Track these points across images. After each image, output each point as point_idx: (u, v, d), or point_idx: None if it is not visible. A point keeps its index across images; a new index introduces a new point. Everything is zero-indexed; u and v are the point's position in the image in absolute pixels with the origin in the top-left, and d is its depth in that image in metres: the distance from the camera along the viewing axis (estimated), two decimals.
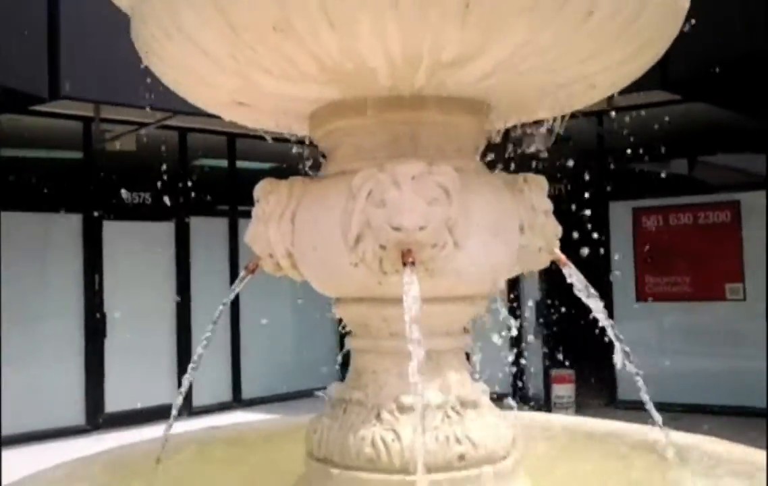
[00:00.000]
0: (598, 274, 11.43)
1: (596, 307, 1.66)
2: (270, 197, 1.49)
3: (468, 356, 1.61)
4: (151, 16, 1.30)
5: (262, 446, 1.84)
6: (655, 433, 1.75)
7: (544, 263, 1.59)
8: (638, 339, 10.02)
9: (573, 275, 1.57)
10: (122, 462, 1.75)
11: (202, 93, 1.50)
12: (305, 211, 1.45)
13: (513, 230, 1.48)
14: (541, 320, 9.60)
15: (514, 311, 10.04)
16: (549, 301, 9.11)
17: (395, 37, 1.17)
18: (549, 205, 1.56)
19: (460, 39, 1.18)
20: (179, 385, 7.22)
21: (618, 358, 1.83)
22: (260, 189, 1.53)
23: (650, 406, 1.68)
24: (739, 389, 9.15)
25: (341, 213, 1.37)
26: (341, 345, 7.50)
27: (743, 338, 9.55)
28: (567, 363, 8.54)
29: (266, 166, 10.38)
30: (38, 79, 6.64)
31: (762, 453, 1.74)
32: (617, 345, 1.79)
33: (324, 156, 1.61)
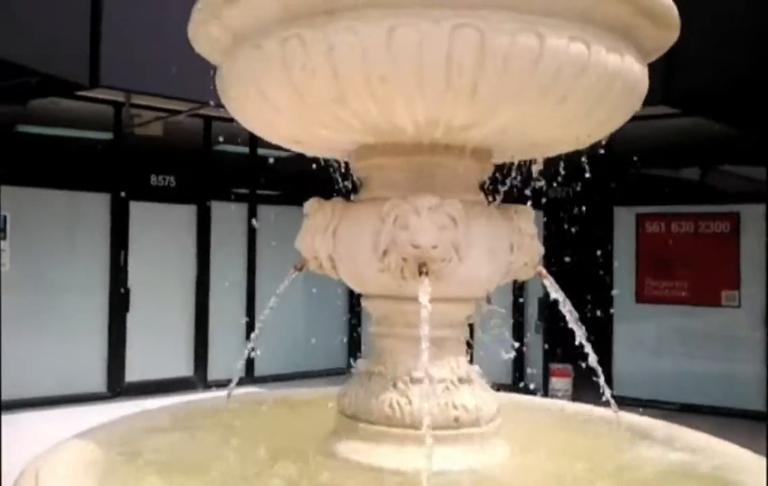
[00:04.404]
0: (600, 275, 11.78)
1: (569, 314, 2.09)
2: (317, 214, 1.94)
3: (469, 345, 2.04)
4: (237, 77, 1.75)
5: (303, 407, 2.31)
6: (619, 415, 2.18)
7: (529, 276, 2.03)
8: (637, 339, 10.36)
9: (551, 286, 2.01)
10: (189, 413, 2.21)
11: (268, 133, 1.96)
12: (344, 228, 1.90)
13: (504, 250, 1.92)
14: (542, 318, 9.99)
15: (520, 308, 10.43)
16: (550, 301, 9.53)
17: (420, 110, 1.62)
18: (534, 230, 2.00)
19: (467, 114, 1.62)
20: (195, 358, 7.94)
21: (591, 359, 2.18)
22: (309, 206, 1.98)
23: (607, 393, 2.11)
24: (732, 392, 9.47)
25: (372, 232, 1.82)
26: (350, 332, 8.12)
27: (737, 343, 9.83)
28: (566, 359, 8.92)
29: (284, 154, 10.83)
30: (80, 68, 7.07)
31: (706, 436, 2.16)
32: (587, 346, 2.16)
33: (359, 181, 2.06)
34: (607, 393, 2.10)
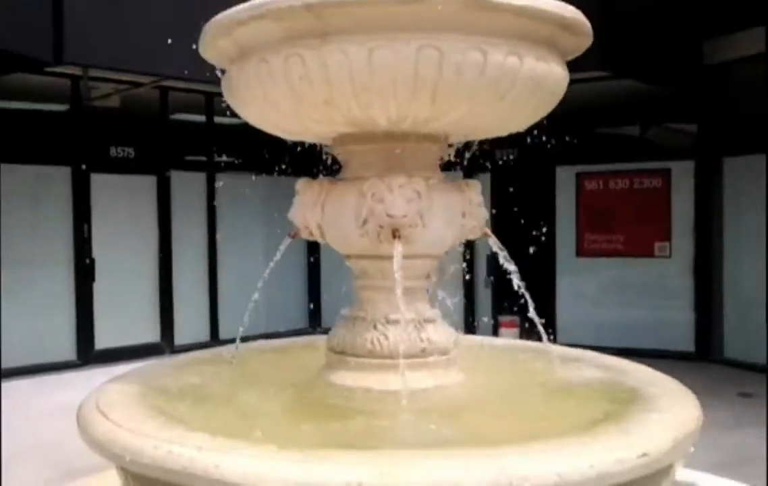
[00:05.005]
0: (544, 231, 12.46)
1: (512, 268, 2.59)
2: (307, 192, 2.39)
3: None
4: (245, 84, 2.17)
5: (298, 351, 2.79)
6: (545, 346, 2.71)
7: (478, 235, 2.53)
8: (578, 291, 11.10)
9: (494, 244, 2.52)
10: (204, 360, 2.66)
11: (267, 126, 2.39)
12: (331, 203, 2.36)
13: (458, 216, 2.41)
14: (490, 273, 10.61)
15: (470, 265, 11.00)
16: (497, 257, 10.14)
17: (393, 110, 2.08)
18: (481, 199, 2.50)
19: (429, 111, 2.10)
20: (161, 324, 8.48)
21: (531, 309, 2.62)
22: (300, 185, 2.43)
23: (540, 328, 2.63)
24: (665, 335, 10.27)
25: (354, 205, 2.28)
26: (309, 293, 8.71)
27: (669, 291, 10.60)
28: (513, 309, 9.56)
29: (239, 122, 11.08)
30: (44, 45, 7.21)
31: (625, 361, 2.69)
32: (527, 296, 2.60)
33: (338, 163, 2.52)
34: (542, 331, 2.62)
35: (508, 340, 3.08)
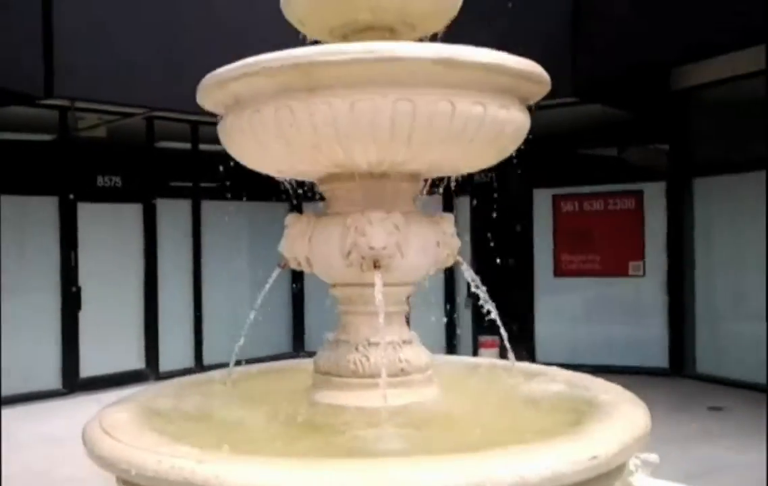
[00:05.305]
0: (522, 252, 12.76)
1: (482, 295, 2.83)
2: (296, 225, 2.63)
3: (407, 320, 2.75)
4: (239, 130, 2.41)
5: (284, 373, 3.01)
6: (516, 364, 2.97)
7: (451, 263, 2.78)
8: (556, 309, 11.36)
9: (466, 271, 2.76)
10: (200, 383, 2.87)
11: (259, 167, 2.63)
12: (317, 236, 2.60)
13: (433, 246, 2.66)
14: (470, 295, 10.86)
15: (452, 287, 11.21)
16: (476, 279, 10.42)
17: (372, 154, 2.33)
18: (453, 230, 2.75)
19: (405, 155, 2.35)
20: (147, 351, 8.75)
21: (503, 332, 2.88)
22: (289, 219, 2.66)
23: (508, 346, 2.88)
24: (640, 352, 10.54)
25: (339, 237, 2.52)
26: (294, 319, 9.00)
27: (643, 309, 10.87)
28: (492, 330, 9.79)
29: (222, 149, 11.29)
30: (35, 80, 7.41)
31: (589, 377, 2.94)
32: (498, 320, 2.85)
33: (324, 198, 2.76)
34: (509, 349, 2.87)
35: (482, 359, 3.32)
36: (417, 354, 2.65)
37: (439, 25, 2.72)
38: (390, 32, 2.60)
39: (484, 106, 2.29)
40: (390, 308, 2.59)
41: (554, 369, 3.09)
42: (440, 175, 2.82)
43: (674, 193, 10.29)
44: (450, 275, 10.88)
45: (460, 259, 2.76)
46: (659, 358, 10.36)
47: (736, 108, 9.25)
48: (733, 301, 9.68)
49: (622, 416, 2.26)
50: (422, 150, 2.33)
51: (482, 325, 10.36)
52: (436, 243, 2.67)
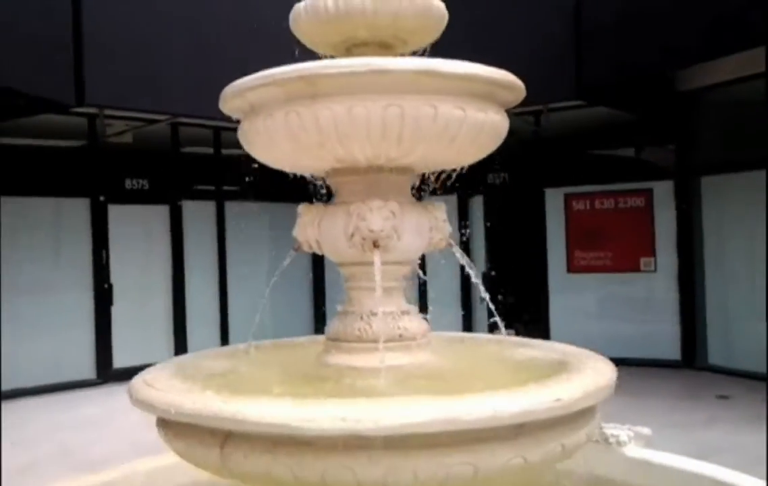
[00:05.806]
0: (536, 249, 13.12)
1: (475, 277, 3.22)
2: (307, 213, 3.06)
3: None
4: (256, 132, 2.85)
5: (302, 345, 3.46)
6: (507, 335, 3.36)
7: (443, 246, 3.18)
8: (570, 305, 11.63)
9: (458, 253, 3.17)
10: (225, 353, 3.31)
11: (273, 163, 3.07)
12: (325, 222, 3.02)
13: (426, 230, 3.07)
14: (485, 287, 11.16)
15: (467, 283, 11.53)
16: (493, 273, 10.73)
17: (368, 151, 2.76)
18: (445, 216, 3.15)
19: (396, 152, 2.77)
20: (175, 343, 9.46)
21: (498, 321, 3.28)
22: (301, 208, 3.09)
23: (500, 322, 3.27)
24: (652, 345, 10.76)
25: (343, 223, 2.94)
26: (314, 309, 9.61)
27: (655, 304, 11.10)
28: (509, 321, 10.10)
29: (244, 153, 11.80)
30: (67, 88, 7.94)
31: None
32: (488, 301, 3.25)
33: (329, 189, 3.19)
34: (501, 327, 3.27)
35: (479, 334, 3.71)
36: (414, 323, 3.06)
37: (428, 39, 3.14)
38: (385, 47, 3.03)
39: (463, 109, 2.69)
40: (389, 283, 3.00)
41: (538, 340, 3.48)
42: (430, 170, 3.23)
43: (683, 191, 10.53)
44: (466, 279, 11.20)
45: (451, 241, 3.17)
46: (671, 350, 10.58)
47: (739, 108, 9.50)
48: (742, 296, 9.86)
49: (589, 370, 2.65)
50: (411, 147, 2.75)
51: (494, 323, 10.72)
52: (429, 228, 3.08)
